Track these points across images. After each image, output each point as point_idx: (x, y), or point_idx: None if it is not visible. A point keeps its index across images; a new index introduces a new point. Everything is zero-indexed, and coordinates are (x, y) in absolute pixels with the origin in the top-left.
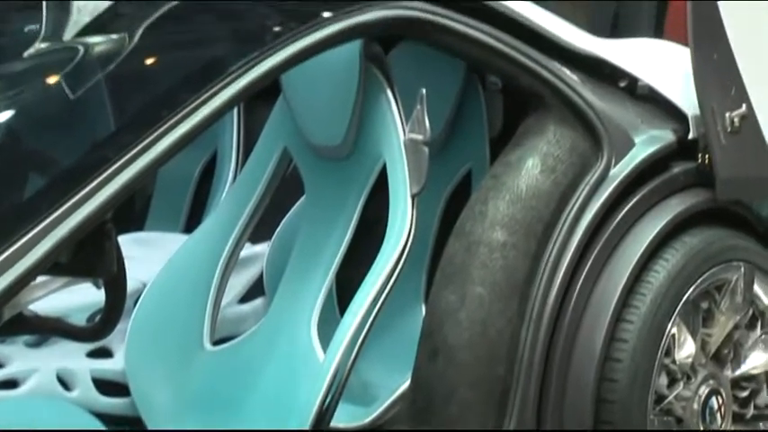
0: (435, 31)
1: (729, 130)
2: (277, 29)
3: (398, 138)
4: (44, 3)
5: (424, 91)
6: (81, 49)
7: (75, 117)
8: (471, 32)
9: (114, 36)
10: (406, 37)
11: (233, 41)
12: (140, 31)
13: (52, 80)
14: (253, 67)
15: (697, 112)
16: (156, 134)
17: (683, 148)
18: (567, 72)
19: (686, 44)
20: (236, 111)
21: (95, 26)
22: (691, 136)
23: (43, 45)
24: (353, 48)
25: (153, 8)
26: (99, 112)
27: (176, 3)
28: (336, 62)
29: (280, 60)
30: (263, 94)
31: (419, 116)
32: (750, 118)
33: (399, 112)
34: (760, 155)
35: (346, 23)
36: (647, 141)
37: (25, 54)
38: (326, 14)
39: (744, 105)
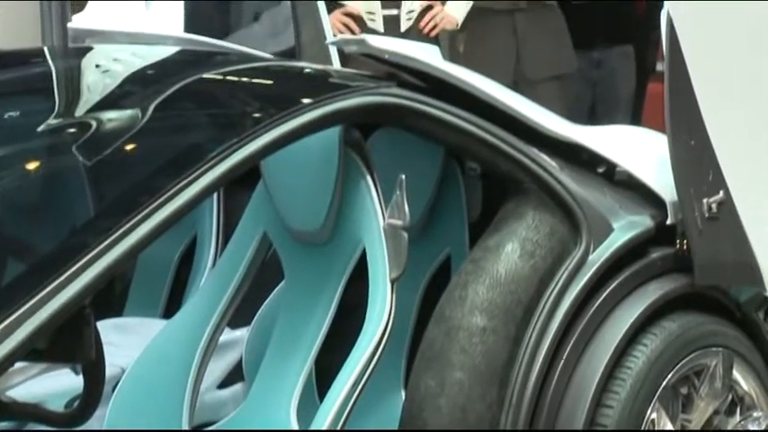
0: (414, 117)
1: (707, 215)
2: (257, 114)
3: (378, 223)
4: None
5: (403, 177)
6: (62, 130)
7: (54, 202)
8: (450, 118)
9: (94, 118)
10: (385, 123)
11: (213, 127)
12: (121, 114)
13: (32, 165)
14: (232, 152)
15: (675, 197)
16: (135, 219)
17: (661, 234)
18: (545, 158)
19: (664, 131)
20: (215, 195)
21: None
22: (669, 221)
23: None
24: (333, 133)
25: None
26: (78, 197)
27: (155, 86)
28: (316, 147)
29: (259, 146)
30: (243, 179)
31: (399, 201)
32: (728, 204)
33: (379, 198)
34: (738, 241)
35: (326, 110)
36: (626, 227)
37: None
38: (306, 100)
39: (721, 191)
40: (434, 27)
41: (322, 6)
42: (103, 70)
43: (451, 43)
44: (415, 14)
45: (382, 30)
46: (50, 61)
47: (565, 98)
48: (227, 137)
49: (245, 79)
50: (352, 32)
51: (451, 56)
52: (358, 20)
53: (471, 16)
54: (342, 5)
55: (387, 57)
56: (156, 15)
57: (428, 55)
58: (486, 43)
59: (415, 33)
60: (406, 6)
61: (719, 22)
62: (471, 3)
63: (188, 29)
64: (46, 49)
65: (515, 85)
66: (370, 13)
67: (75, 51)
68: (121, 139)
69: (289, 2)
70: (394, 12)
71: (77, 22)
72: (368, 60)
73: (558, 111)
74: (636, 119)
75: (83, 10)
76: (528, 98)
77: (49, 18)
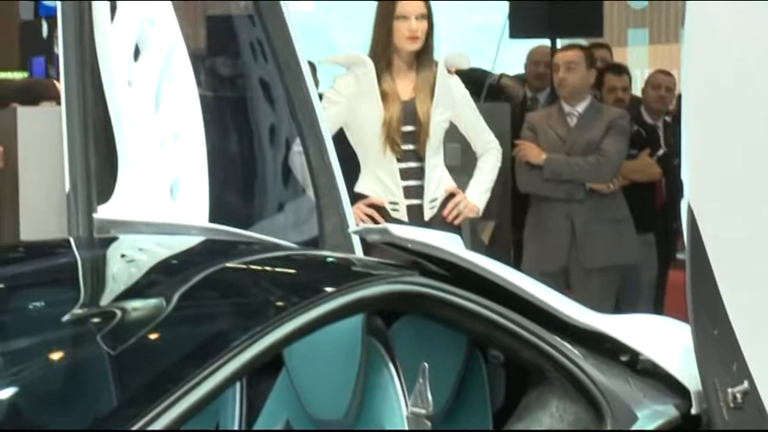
0: (437, 305)
1: (732, 405)
2: (280, 303)
3: (401, 412)
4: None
5: (426, 365)
6: (86, 320)
7: (78, 391)
8: (472, 307)
9: (118, 308)
10: (408, 311)
11: (236, 316)
12: (145, 304)
13: (56, 354)
14: (256, 341)
15: (699, 387)
16: (158, 409)
17: (685, 424)
18: (568, 346)
19: (686, 319)
20: (238, 383)
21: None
22: (693, 411)
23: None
24: (355, 321)
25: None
26: (102, 387)
27: (179, 276)
28: (338, 336)
29: (282, 335)
30: (266, 367)
31: (421, 390)
32: (752, 394)
33: (402, 386)
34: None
35: (348, 298)
36: (651, 416)
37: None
38: (329, 289)
39: (745, 381)
40: (458, 215)
41: (345, 197)
42: (128, 260)
43: (473, 232)
44: (437, 203)
45: (406, 219)
46: (76, 251)
47: (619, 288)
48: (251, 325)
49: (268, 268)
50: (376, 223)
51: (473, 245)
52: (381, 210)
53: (531, 202)
54: (365, 197)
55: (409, 246)
56: (181, 206)
57: (450, 244)
58: (543, 231)
59: (438, 222)
60: (428, 195)
61: (739, 211)
62: (490, 191)
63: (213, 219)
64: (72, 239)
65: (568, 273)
66: (393, 203)
67: (100, 242)
68: (146, 328)
69: (312, 193)
70: (417, 201)
71: (103, 212)
72: (390, 249)
73: (610, 300)
74: (658, 307)
75: (107, 200)
76: (582, 286)
77: (75, 209)
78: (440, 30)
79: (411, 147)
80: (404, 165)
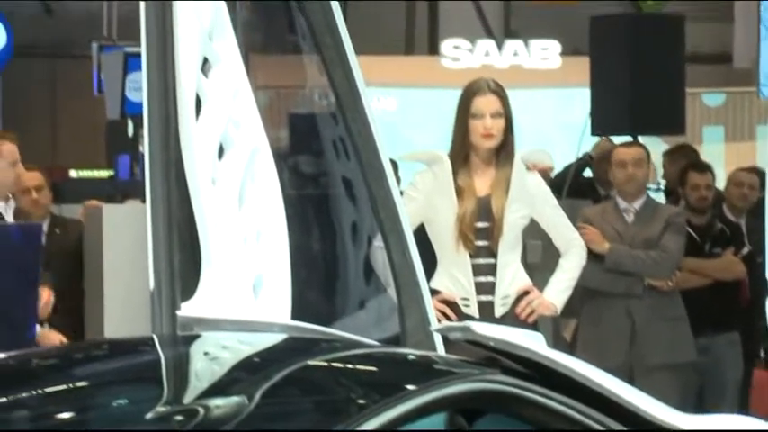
0: (520, 404)
1: None
2: (361, 401)
3: None
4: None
5: None
6: (170, 417)
7: None
8: (556, 406)
9: (201, 405)
10: (490, 410)
11: (318, 413)
12: (228, 401)
13: None
14: None
15: None
16: None
17: None
18: None
19: None
20: None
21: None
22: None
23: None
24: (438, 419)
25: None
26: None
27: (261, 373)
28: None
29: None
30: None
31: None
32: None
33: None
34: None
35: (430, 396)
36: None
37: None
38: (410, 387)
39: None
40: (531, 313)
41: (426, 294)
42: (211, 358)
43: (555, 329)
44: (510, 300)
45: (477, 315)
46: (159, 349)
47: (681, 386)
48: (333, 424)
49: (349, 366)
50: (449, 319)
51: (556, 342)
52: (453, 306)
53: (583, 299)
54: (438, 292)
55: (491, 344)
56: (264, 303)
57: (533, 342)
58: (600, 326)
59: (510, 319)
60: (500, 292)
61: None
62: (570, 290)
63: (295, 316)
64: (155, 336)
65: (629, 371)
66: (464, 299)
67: (183, 339)
68: (228, 425)
69: (393, 289)
70: (488, 298)
71: (186, 310)
72: (471, 347)
73: (673, 399)
74: (743, 407)
75: (191, 297)
76: (642, 384)
77: (159, 306)
78: (521, 127)
79: (485, 243)
80: (477, 261)
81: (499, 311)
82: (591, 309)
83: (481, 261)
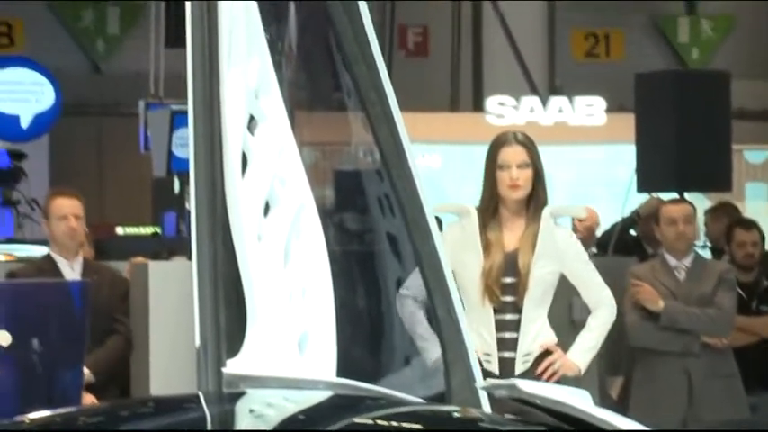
0: None
1: None
2: None
3: None
4: None
5: None
6: None
7: None
8: None
9: None
10: None
11: None
12: None
13: None
14: None
15: None
16: None
17: None
18: None
19: None
20: None
21: None
22: None
23: None
24: None
25: None
26: None
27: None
28: None
29: None
30: None
31: None
32: None
33: None
34: None
35: None
36: None
37: None
38: None
39: None
40: (553, 374)
41: (472, 351)
42: (257, 415)
43: (602, 387)
44: (532, 357)
45: (497, 372)
46: (205, 406)
47: None
48: None
49: (395, 424)
50: None
51: (602, 401)
52: None
53: (635, 357)
54: None
55: (538, 402)
56: (309, 360)
57: (580, 400)
58: (655, 384)
59: (530, 378)
60: (522, 349)
61: None
62: (596, 349)
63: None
64: (201, 394)
65: (684, 429)
66: (486, 354)
67: (229, 396)
68: None
69: (439, 348)
70: (510, 354)
71: (232, 367)
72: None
73: None
74: None
75: (236, 354)
76: None
77: (205, 363)
78: (570, 183)
79: (510, 298)
80: (501, 316)
81: (519, 369)
82: (644, 367)
83: (507, 317)
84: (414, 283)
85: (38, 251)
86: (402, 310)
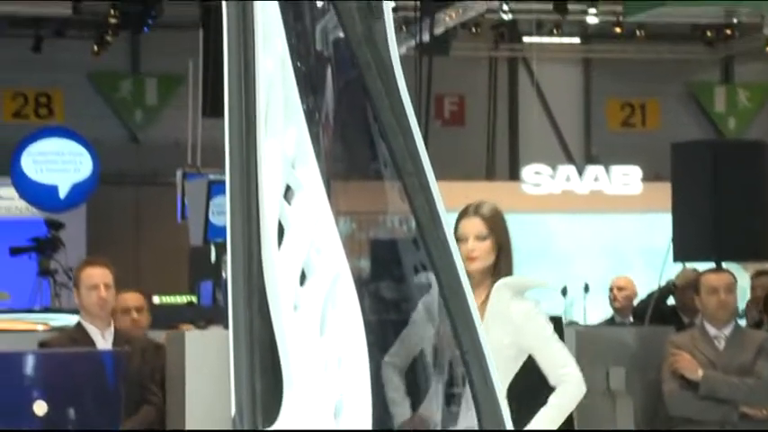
0: None
1: None
2: None
3: None
4: None
5: None
6: None
7: None
8: None
9: None
10: None
11: None
12: None
13: None
14: None
15: None
16: None
17: None
18: None
19: None
20: None
21: None
22: None
23: None
24: None
25: None
26: None
27: None
28: None
29: None
30: None
31: None
32: None
33: None
34: None
35: None
36: None
37: None
38: None
39: None
40: None
41: (508, 420)
42: None
43: None
44: None
45: None
46: None
47: None
48: None
49: None
50: None
51: None
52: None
53: (674, 427)
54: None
55: None
56: (345, 427)
57: None
58: None
59: None
60: (463, 424)
61: None
62: (554, 428)
63: None
64: None
65: None
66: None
67: None
68: None
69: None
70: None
71: None
72: None
73: None
74: None
75: (273, 422)
76: None
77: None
78: (606, 252)
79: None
80: (450, 389)
81: None
82: None
83: (455, 390)
84: (397, 352)
85: (74, 320)
86: (384, 375)
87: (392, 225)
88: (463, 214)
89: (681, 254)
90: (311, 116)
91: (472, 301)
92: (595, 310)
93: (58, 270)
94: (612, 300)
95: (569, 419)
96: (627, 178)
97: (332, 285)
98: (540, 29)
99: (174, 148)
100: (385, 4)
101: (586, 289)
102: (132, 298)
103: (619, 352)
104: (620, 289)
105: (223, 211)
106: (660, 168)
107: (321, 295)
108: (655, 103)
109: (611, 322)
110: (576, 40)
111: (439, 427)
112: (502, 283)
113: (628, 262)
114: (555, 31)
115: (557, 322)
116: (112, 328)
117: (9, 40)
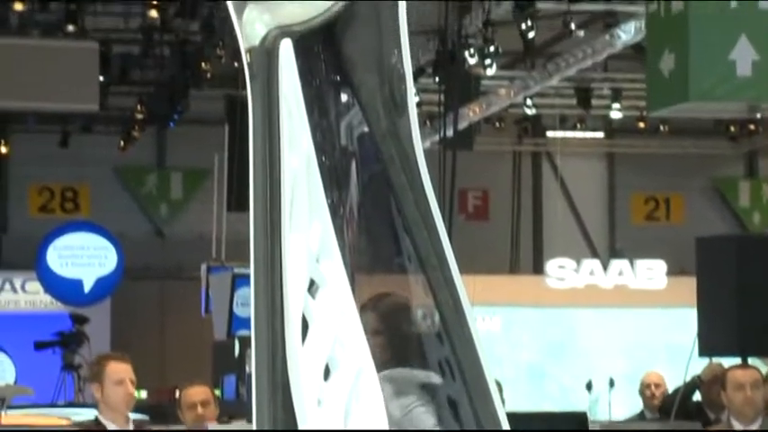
0: None
1: None
2: None
3: None
4: None
5: None
6: None
7: None
8: None
9: None
10: None
11: None
12: None
13: None
14: None
15: None
16: None
17: None
18: None
19: None
20: None
21: None
22: None
23: None
24: None
25: None
26: None
27: None
28: None
29: None
30: None
31: None
32: None
33: None
34: None
35: None
36: None
37: None
38: None
39: None
40: None
41: None
42: None
43: None
44: None
45: None
46: None
47: None
48: None
49: None
50: None
51: None
52: None
53: None
54: None
55: None
56: None
57: None
58: None
59: None
60: None
61: None
62: None
63: None
64: None
65: None
66: None
67: None
68: None
69: None
70: None
71: None
72: None
73: None
74: None
75: None
76: None
77: None
78: (630, 347)
79: None
80: None
81: None
82: None
83: None
84: None
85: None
86: None
87: (416, 319)
88: None
89: (706, 349)
90: (336, 210)
91: (496, 394)
92: (620, 406)
93: (82, 364)
94: (650, 397)
95: (582, 420)
96: (651, 272)
97: (356, 380)
98: (563, 123)
99: (198, 242)
100: (409, 99)
101: (611, 384)
102: (197, 392)
103: None
104: (657, 386)
105: (247, 303)
106: (685, 263)
107: (345, 390)
108: (679, 198)
109: (641, 417)
110: (600, 134)
111: None
112: (383, 375)
113: (652, 357)
114: (578, 126)
115: (581, 418)
116: (131, 425)
117: (37, 136)
